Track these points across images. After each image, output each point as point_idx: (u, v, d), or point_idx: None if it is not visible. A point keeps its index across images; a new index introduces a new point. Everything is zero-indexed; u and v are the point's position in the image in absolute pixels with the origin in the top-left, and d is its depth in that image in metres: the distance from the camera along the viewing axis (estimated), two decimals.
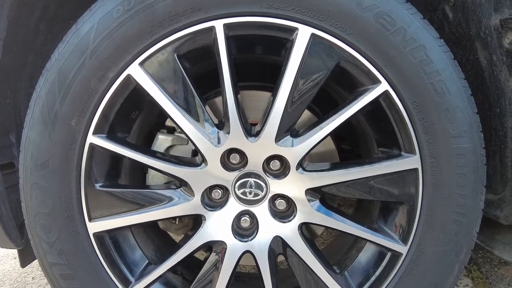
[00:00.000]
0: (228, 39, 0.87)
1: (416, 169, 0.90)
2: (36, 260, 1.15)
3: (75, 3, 1.18)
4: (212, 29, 0.86)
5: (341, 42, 0.86)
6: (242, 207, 0.98)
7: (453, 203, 0.91)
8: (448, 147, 0.88)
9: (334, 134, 0.93)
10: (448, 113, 0.87)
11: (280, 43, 0.91)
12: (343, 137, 1.45)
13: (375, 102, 0.89)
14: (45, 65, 0.92)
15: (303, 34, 0.86)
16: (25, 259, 1.17)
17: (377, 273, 0.98)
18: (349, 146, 1.48)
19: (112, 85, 0.89)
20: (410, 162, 0.90)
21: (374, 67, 0.87)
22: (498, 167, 1.00)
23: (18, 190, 0.97)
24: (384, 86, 0.87)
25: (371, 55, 0.86)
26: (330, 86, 1.04)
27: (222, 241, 0.97)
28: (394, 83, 0.87)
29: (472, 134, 0.88)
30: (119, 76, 0.89)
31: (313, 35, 0.86)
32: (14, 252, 2.03)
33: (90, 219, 0.94)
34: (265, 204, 0.98)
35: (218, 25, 0.86)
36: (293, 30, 0.86)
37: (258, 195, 0.96)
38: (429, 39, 0.86)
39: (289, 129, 0.91)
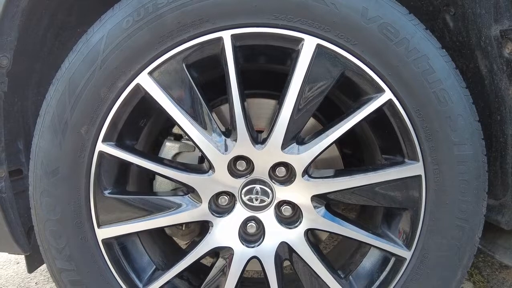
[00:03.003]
0: (235, 49, 0.89)
1: (419, 176, 0.92)
2: (41, 266, 1.17)
3: (82, 11, 1.20)
4: (220, 39, 0.88)
5: (346, 52, 0.88)
6: (248, 213, 1.00)
7: (455, 209, 0.93)
8: (451, 154, 0.90)
9: (338, 140, 0.95)
10: (451, 121, 0.89)
11: (287, 53, 0.93)
12: (346, 142, 1.47)
13: (379, 110, 0.91)
14: (55, 74, 0.93)
15: (309, 45, 0.88)
16: (32, 264, 1.18)
17: (381, 278, 1.00)
18: (351, 151, 1.50)
19: (121, 94, 0.91)
20: (413, 169, 0.92)
21: (378, 77, 0.89)
22: (499, 173, 1.02)
23: (26, 196, 0.98)
24: (388, 95, 0.90)
25: (375, 65, 0.88)
26: (335, 94, 1.06)
27: (229, 247, 0.98)
28: (398, 92, 0.89)
29: (474, 142, 0.90)
30: (129, 85, 0.90)
31: (318, 45, 0.88)
32: (16, 257, 2.03)
33: (99, 226, 0.95)
34: (271, 210, 0.99)
35: (226, 35, 0.88)
36: (299, 40, 0.88)
37: (264, 201, 0.98)
38: (431, 49, 0.89)
39: (295, 136, 0.93)
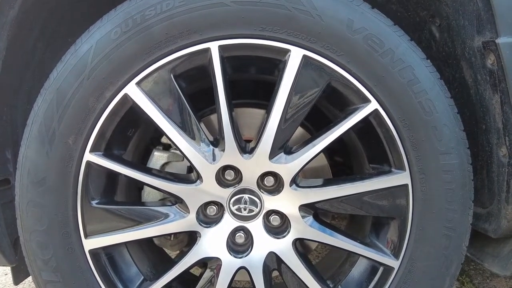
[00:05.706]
0: (223, 59, 0.90)
1: (406, 185, 0.93)
2: (28, 277, 1.15)
3: (73, 21, 1.21)
4: (207, 50, 0.89)
5: (331, 63, 0.89)
6: (237, 223, 0.99)
7: (442, 218, 0.93)
8: (437, 163, 0.91)
9: (327, 149, 0.95)
10: (436, 130, 0.90)
11: (273, 63, 0.93)
12: (336, 150, 1.48)
13: (365, 120, 0.92)
14: (44, 84, 0.93)
15: (295, 56, 0.89)
16: (18, 276, 1.17)
17: (370, 287, 0.99)
18: (341, 159, 1.51)
19: (109, 104, 0.91)
20: (400, 178, 0.93)
21: (364, 87, 0.90)
22: (485, 182, 1.03)
23: (13, 206, 0.97)
24: (373, 105, 0.91)
25: (361, 75, 0.89)
26: (322, 104, 1.07)
27: (217, 258, 0.98)
28: (384, 102, 0.90)
29: (459, 151, 0.91)
30: (116, 95, 0.90)
31: (304, 56, 0.89)
32: (4, 268, 2.00)
33: (86, 236, 0.95)
34: (259, 220, 0.99)
35: (213, 46, 0.89)
36: (285, 51, 0.89)
37: (253, 211, 0.98)
38: (416, 60, 0.90)
39: (283, 146, 0.94)
